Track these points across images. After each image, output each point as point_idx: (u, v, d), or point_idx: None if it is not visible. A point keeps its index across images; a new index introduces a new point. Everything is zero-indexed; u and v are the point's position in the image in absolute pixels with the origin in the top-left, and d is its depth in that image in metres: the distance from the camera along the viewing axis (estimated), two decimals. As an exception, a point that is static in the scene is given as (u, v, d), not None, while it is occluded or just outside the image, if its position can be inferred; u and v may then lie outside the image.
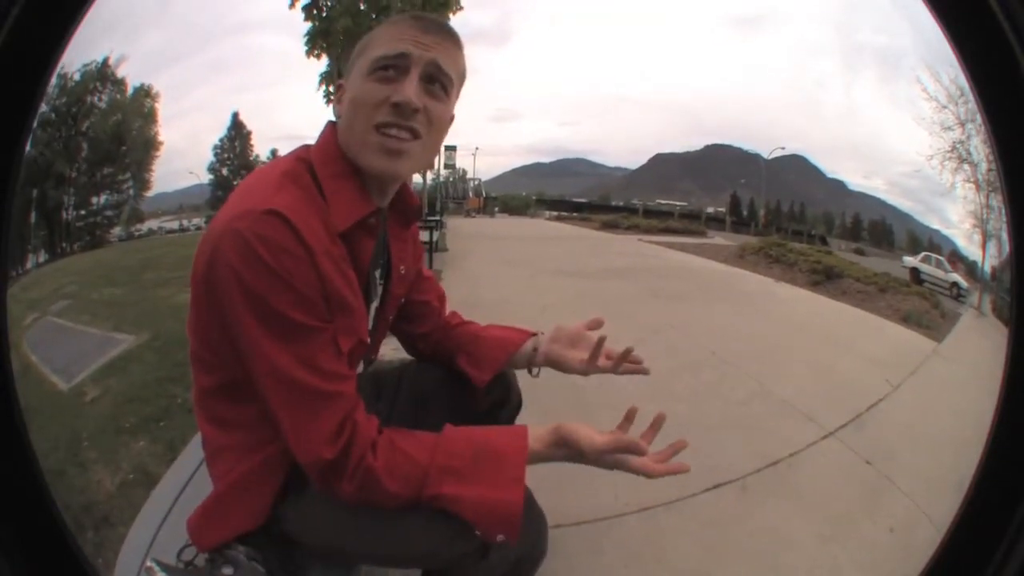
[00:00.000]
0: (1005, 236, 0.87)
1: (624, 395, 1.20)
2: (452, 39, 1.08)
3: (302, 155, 1.07)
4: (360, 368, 1.19)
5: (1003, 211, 0.83)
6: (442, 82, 1.06)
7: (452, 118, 1.13)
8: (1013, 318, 0.86)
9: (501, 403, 1.47)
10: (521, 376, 1.52)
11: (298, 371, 0.95)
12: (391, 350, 1.54)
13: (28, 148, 0.93)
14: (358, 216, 1.05)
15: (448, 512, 1.00)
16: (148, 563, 1.11)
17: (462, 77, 1.13)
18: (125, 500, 2.30)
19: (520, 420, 1.56)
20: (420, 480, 0.99)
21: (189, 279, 1.01)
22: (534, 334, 1.45)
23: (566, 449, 1.07)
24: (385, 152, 1.03)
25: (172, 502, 1.75)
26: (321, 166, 1.05)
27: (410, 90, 1.01)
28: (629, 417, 1.10)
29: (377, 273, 1.22)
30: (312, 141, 1.12)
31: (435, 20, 1.08)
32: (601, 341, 1.32)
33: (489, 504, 0.99)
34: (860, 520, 2.28)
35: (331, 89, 9.73)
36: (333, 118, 1.13)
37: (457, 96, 1.14)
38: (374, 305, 1.22)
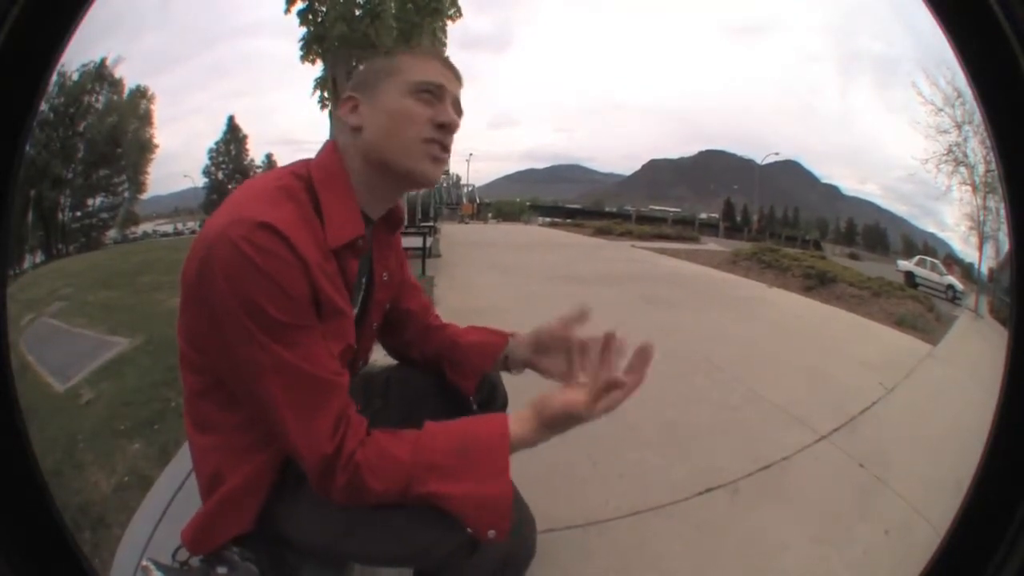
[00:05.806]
0: (1003, 236, 0.88)
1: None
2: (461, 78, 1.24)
3: (299, 171, 1.11)
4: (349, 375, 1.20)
5: (1001, 211, 0.84)
6: (458, 111, 1.20)
7: None
8: (1013, 318, 0.86)
9: (487, 403, 1.50)
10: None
11: (301, 363, 0.97)
12: (382, 356, 1.55)
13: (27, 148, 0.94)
14: (350, 236, 1.09)
15: (438, 507, 1.01)
16: (144, 563, 1.12)
17: None
18: (120, 501, 2.29)
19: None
20: (405, 479, 1.00)
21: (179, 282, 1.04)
22: (510, 335, 1.45)
23: (552, 425, 1.06)
24: (432, 160, 1.15)
25: (167, 503, 1.75)
26: (321, 184, 1.09)
27: (454, 115, 1.17)
28: (607, 345, 1.07)
29: (362, 280, 1.27)
30: (307, 146, 1.17)
31: (451, 62, 1.23)
32: (578, 349, 1.23)
33: (477, 499, 1.00)
34: (855, 523, 2.29)
35: (325, 94, 9.73)
36: (328, 125, 1.18)
37: None
38: (355, 310, 1.24)
